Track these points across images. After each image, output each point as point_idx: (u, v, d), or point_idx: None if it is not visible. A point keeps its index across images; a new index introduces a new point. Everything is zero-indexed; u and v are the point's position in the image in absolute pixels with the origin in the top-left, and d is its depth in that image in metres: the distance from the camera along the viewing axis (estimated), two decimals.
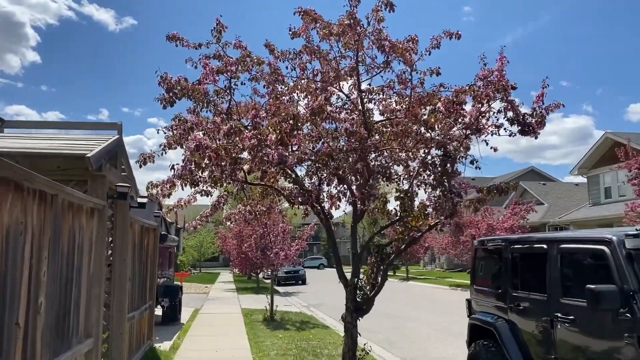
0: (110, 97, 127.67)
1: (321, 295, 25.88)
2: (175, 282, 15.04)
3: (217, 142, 5.16)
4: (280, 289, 29.04)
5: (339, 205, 7.94)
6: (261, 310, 16.26)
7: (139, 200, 7.14)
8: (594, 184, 31.85)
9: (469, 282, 7.59)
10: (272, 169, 5.76)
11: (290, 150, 5.00)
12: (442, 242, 31.23)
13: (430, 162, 6.08)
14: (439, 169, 6.04)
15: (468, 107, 6.82)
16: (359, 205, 6.96)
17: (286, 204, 8.64)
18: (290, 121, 4.95)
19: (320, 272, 52.38)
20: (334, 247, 7.32)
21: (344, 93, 7.05)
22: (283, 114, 5.05)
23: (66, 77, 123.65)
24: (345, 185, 6.64)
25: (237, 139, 5.04)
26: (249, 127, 5.58)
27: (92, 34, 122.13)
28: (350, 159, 5.88)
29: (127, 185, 5.78)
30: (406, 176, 7.33)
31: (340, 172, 6.00)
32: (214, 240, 42.11)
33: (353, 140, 5.55)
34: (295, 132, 5.17)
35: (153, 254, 9.60)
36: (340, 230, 70.55)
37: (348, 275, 7.26)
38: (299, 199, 7.01)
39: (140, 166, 6.59)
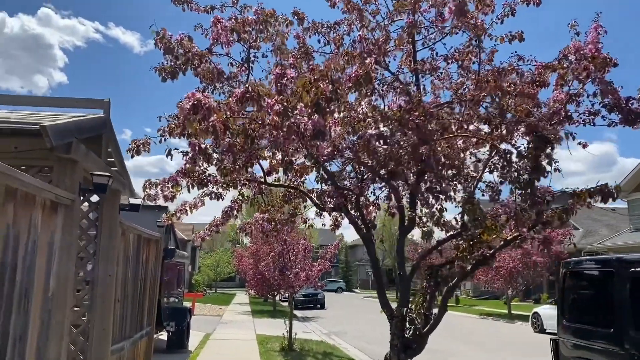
0: (133, 117, 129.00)
1: (342, 321, 24.11)
2: (183, 304, 13.55)
3: (227, 112, 3.73)
4: (298, 313, 27.30)
5: (374, 217, 6.44)
6: (278, 338, 14.65)
7: (132, 201, 5.74)
8: (635, 208, 29.63)
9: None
10: (303, 151, 4.29)
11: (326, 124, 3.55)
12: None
13: (518, 151, 4.51)
14: (527, 162, 4.49)
15: (543, 93, 5.34)
16: (407, 213, 5.43)
17: (310, 213, 7.14)
18: (330, 86, 3.50)
19: (338, 296, 50.37)
20: (375, 266, 5.77)
21: (390, 71, 5.60)
22: (321, 69, 3.59)
23: (91, 97, 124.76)
24: (393, 184, 5.11)
25: (255, 108, 3.58)
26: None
27: (117, 56, 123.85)
28: (406, 145, 4.34)
29: (107, 174, 4.36)
30: (463, 179, 5.80)
31: (393, 165, 4.47)
32: (230, 259, 40.77)
33: (417, 114, 4.06)
34: (333, 105, 3.70)
35: (154, 271, 8.15)
36: (359, 251, 68.22)
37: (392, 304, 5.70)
38: (332, 202, 5.51)
39: (133, 156, 5.18)
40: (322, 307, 31.98)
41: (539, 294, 36.55)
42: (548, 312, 19.49)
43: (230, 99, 3.60)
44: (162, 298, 10.72)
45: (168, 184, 6.01)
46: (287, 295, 31.58)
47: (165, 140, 5.06)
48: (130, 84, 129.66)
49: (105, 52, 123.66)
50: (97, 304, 5.30)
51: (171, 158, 4.66)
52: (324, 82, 3.39)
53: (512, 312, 27.64)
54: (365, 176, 5.06)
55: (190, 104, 3.37)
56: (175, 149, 4.73)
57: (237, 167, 4.95)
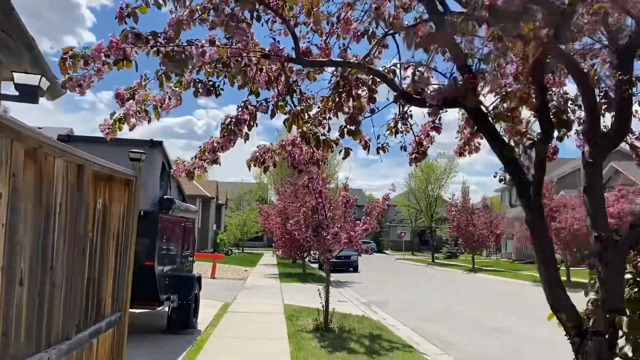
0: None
1: (380, 287, 21.45)
2: (192, 271, 10.83)
3: None
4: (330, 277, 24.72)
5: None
6: (310, 311, 11.97)
7: (18, 78, 2.84)
8: None
9: None
10: None
11: None
12: (525, 230, 25.85)
13: None
14: None
15: None
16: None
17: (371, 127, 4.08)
18: None
19: (368, 257, 47.82)
20: (535, 213, 2.73)
21: None
22: None
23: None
24: None
25: None
26: None
27: (145, 14, 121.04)
28: None
29: None
30: None
31: None
32: (257, 218, 38.64)
33: None
34: None
35: (127, 226, 5.34)
36: (390, 212, 64.98)
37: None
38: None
39: None
40: (356, 270, 29.40)
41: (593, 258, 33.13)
42: None
43: None
44: (158, 264, 8.02)
45: (107, 57, 3.06)
46: (318, 257, 29.16)
47: None
48: None
49: None
50: None
51: None
52: None
53: (570, 279, 24.43)
54: None
55: None
56: None
57: None
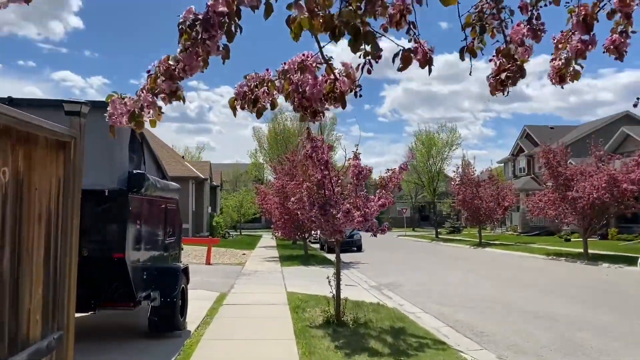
0: (153, 61, 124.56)
1: (388, 267, 20.01)
2: (179, 262, 9.25)
3: None
4: (333, 257, 23.31)
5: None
6: (318, 299, 10.54)
7: None
8: None
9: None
10: None
11: None
12: (538, 201, 24.39)
13: None
14: None
15: None
16: None
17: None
18: None
19: (370, 235, 46.56)
20: None
21: None
22: None
23: (108, 42, 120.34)
24: None
25: None
26: None
27: None
28: None
29: None
30: None
31: None
32: (254, 199, 37.18)
33: None
34: None
35: (63, 211, 3.77)
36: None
37: None
38: None
39: None
40: (360, 249, 27.99)
41: (605, 229, 31.85)
42: None
43: None
44: (131, 256, 6.47)
45: None
46: (320, 236, 27.64)
47: None
48: (147, 26, 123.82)
49: None
50: None
51: None
52: None
53: (588, 251, 23.02)
54: None
55: None
56: None
57: None
